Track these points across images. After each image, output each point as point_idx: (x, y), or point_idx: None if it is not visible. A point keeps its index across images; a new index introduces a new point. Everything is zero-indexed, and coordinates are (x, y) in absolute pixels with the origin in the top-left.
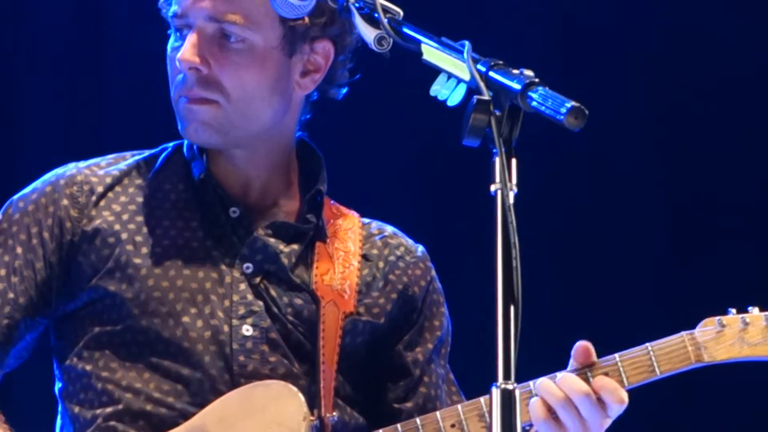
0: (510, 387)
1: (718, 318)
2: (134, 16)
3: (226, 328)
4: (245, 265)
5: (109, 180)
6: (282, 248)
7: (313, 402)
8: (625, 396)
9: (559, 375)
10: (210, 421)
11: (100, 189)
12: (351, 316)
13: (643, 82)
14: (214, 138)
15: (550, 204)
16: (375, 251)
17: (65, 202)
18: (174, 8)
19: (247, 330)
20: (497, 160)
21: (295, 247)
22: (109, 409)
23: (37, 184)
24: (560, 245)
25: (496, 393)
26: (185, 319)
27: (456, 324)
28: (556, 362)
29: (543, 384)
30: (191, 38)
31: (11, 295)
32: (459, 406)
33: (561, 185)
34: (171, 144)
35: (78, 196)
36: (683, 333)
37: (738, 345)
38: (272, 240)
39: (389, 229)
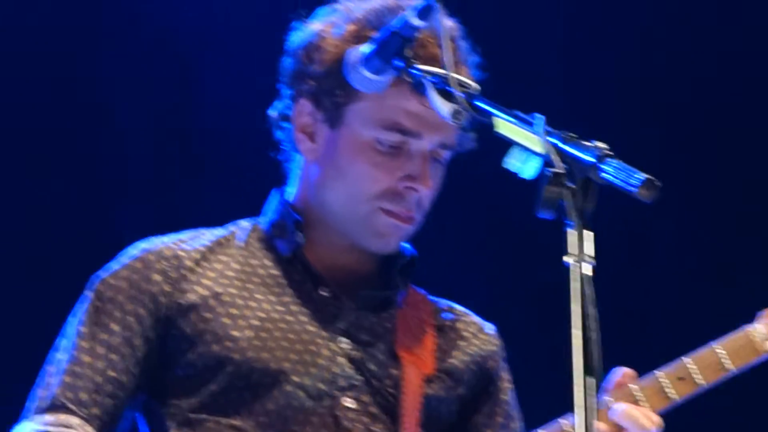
0: None
1: None
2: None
3: (327, 400)
4: (342, 340)
5: (195, 255)
6: (373, 320)
7: None
8: (660, 420)
9: (616, 405)
10: None
11: (188, 263)
12: (431, 380)
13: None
14: (394, 247)
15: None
16: (448, 324)
17: (157, 277)
18: (407, 124)
19: (349, 402)
20: (572, 231)
21: (384, 315)
22: None
23: (124, 259)
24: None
25: None
26: (288, 388)
27: (529, 394)
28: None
29: (627, 411)
30: (427, 163)
31: (112, 374)
32: None
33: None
34: (246, 221)
35: (168, 271)
36: (745, 326)
37: None
38: (363, 313)
39: (459, 307)
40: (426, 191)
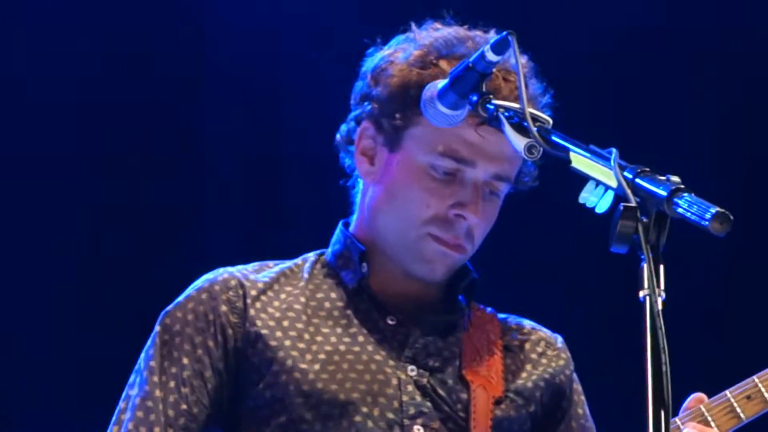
0: None
1: None
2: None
3: (397, 429)
4: (410, 368)
5: (261, 285)
6: (440, 344)
7: None
8: None
9: (685, 427)
10: None
11: (253, 293)
12: (501, 401)
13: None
14: (440, 275)
15: None
16: (516, 342)
17: (224, 308)
18: (463, 152)
19: (418, 429)
20: (645, 266)
21: (451, 339)
22: None
23: (190, 291)
24: None
25: None
26: (357, 419)
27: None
28: None
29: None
30: (479, 192)
31: (184, 407)
32: None
33: None
34: (313, 253)
35: (235, 301)
36: None
37: None
38: (430, 338)
39: (527, 322)
40: (476, 220)
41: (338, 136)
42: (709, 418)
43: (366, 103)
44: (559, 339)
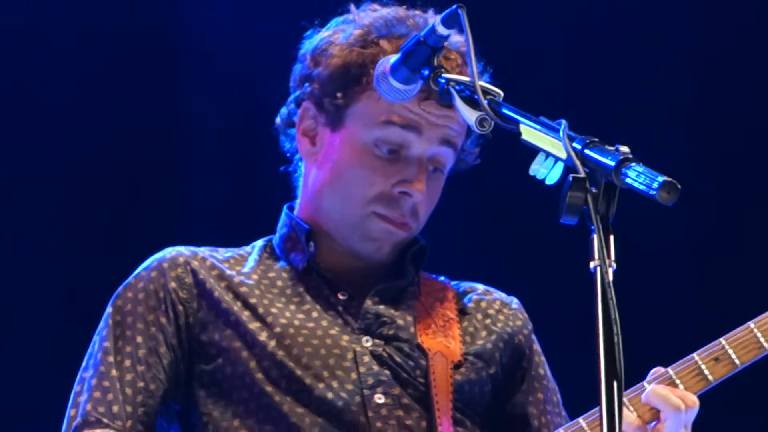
0: None
1: None
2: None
3: (357, 399)
4: (364, 338)
5: (210, 264)
6: (392, 312)
7: None
8: (696, 399)
9: (649, 386)
10: None
11: (203, 272)
12: (460, 365)
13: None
14: (386, 253)
15: None
16: (471, 305)
17: (173, 284)
18: (408, 117)
19: (379, 398)
20: (595, 237)
21: (403, 307)
22: None
23: (140, 271)
24: None
25: None
26: (317, 393)
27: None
28: None
29: (656, 390)
30: (423, 169)
31: (141, 384)
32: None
33: None
34: (260, 240)
35: (184, 277)
36: None
37: None
38: (382, 307)
39: (480, 286)
40: (420, 197)
41: (278, 120)
42: (677, 380)
43: (306, 84)
44: (515, 300)
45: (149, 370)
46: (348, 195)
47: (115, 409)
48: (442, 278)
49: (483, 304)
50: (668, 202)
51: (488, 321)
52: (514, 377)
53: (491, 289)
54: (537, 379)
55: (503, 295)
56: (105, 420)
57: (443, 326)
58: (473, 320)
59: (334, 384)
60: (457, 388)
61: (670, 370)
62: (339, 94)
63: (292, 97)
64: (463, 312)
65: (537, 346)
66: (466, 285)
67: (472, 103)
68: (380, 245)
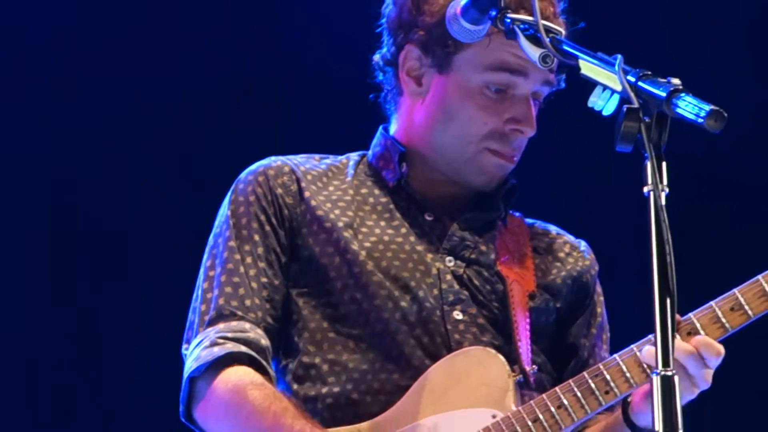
0: (669, 374)
1: None
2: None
3: (438, 313)
4: (447, 258)
5: (311, 175)
6: (476, 239)
7: (513, 361)
8: (721, 348)
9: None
10: (422, 393)
11: (306, 179)
12: (534, 296)
13: None
14: (494, 185)
15: None
16: (543, 245)
17: (279, 191)
18: (514, 63)
19: (457, 315)
20: (648, 163)
21: (487, 236)
22: (336, 389)
23: (246, 176)
24: None
25: (656, 380)
26: (403, 304)
27: (616, 319)
28: None
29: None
30: (530, 106)
31: (265, 279)
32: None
33: None
34: (354, 154)
35: (289, 185)
36: None
37: None
38: (467, 233)
39: (553, 227)
40: (532, 132)
41: (377, 58)
42: (698, 325)
43: (409, 30)
44: (583, 243)
45: (270, 267)
46: (462, 133)
47: (248, 302)
48: (517, 214)
49: (555, 245)
50: (715, 130)
51: (559, 259)
52: (575, 313)
53: (562, 232)
54: (593, 316)
55: (573, 238)
56: (239, 313)
57: (519, 259)
58: (545, 258)
59: (420, 294)
60: (531, 315)
61: (692, 317)
62: (450, 42)
63: (391, 41)
64: (536, 250)
65: (599, 287)
66: (540, 225)
67: (536, 40)
68: (491, 178)
